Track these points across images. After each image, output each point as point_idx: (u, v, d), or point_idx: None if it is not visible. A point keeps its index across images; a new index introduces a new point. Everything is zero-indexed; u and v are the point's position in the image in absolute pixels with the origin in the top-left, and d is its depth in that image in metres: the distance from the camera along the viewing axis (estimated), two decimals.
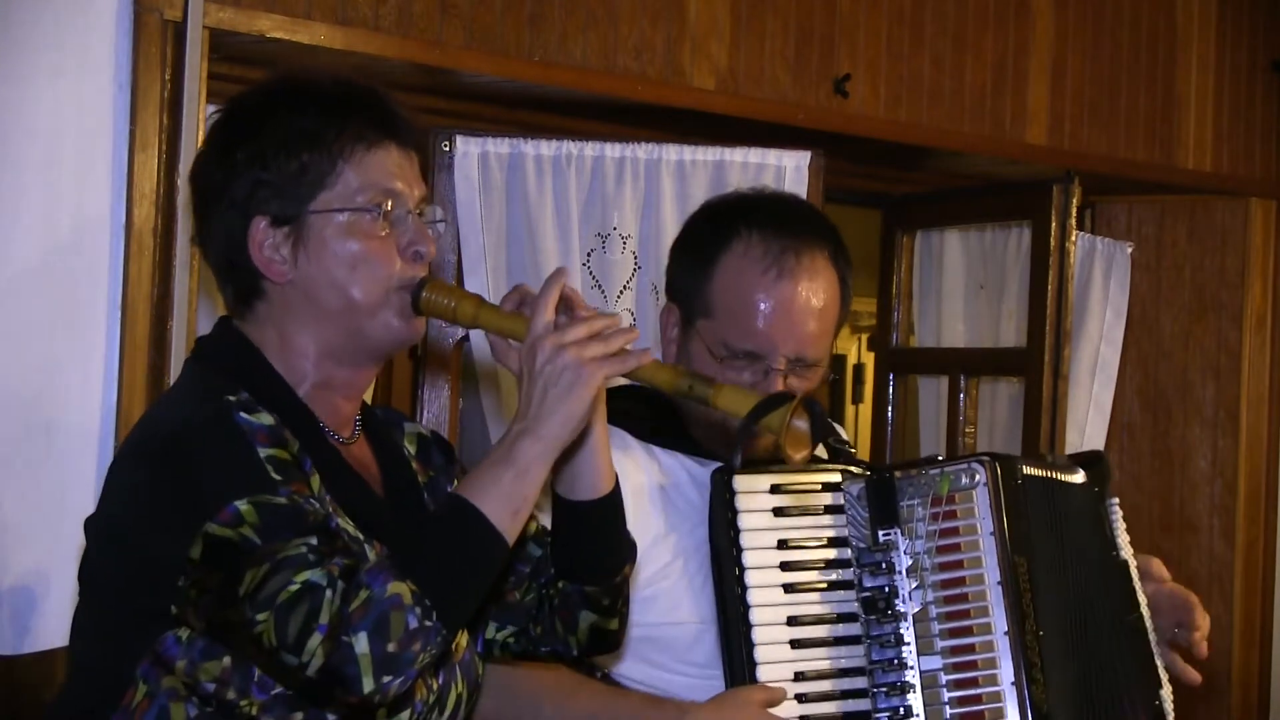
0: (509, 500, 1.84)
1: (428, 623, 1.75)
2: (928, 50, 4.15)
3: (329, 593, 1.72)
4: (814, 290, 2.50)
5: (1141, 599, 2.62)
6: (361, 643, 1.71)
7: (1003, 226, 4.73)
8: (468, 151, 3.54)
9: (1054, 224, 4.21)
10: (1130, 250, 4.92)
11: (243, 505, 1.77)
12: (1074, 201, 4.23)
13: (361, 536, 1.94)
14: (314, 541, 1.76)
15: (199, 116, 2.96)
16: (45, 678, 2.74)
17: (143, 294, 2.94)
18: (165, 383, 2.90)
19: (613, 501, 2.08)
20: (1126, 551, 2.63)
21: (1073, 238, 4.23)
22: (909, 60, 4.10)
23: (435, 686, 1.96)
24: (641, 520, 2.43)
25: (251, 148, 1.97)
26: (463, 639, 2.04)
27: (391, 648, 1.72)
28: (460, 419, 3.77)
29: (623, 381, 2.04)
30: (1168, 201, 4.97)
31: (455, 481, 2.20)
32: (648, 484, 2.49)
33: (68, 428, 2.89)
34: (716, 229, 2.57)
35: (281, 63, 3.24)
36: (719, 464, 2.51)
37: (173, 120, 2.96)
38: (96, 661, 1.93)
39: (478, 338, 3.44)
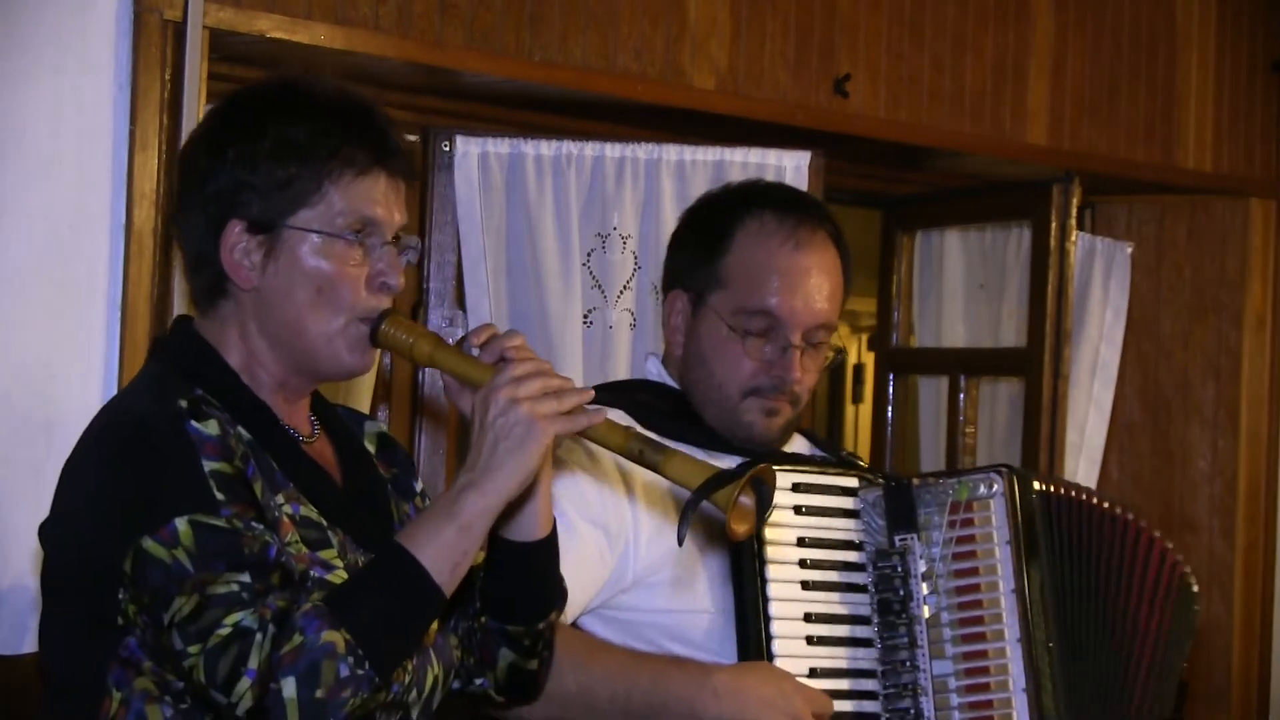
0: (449, 554, 1.84)
1: (359, 671, 1.75)
2: (928, 50, 4.15)
3: (259, 636, 1.73)
4: (824, 266, 2.58)
5: None
6: (289, 688, 1.72)
7: (1003, 226, 4.73)
8: (468, 151, 3.54)
9: (1054, 224, 4.21)
10: (1130, 250, 4.91)
11: (181, 525, 1.78)
12: (1074, 201, 4.22)
13: (325, 523, 1.95)
14: (247, 579, 1.77)
15: (199, 116, 2.96)
16: None
17: (143, 294, 2.94)
18: None
19: (547, 545, 2.07)
20: None
21: (1073, 238, 4.23)
22: (909, 60, 4.10)
23: (409, 667, 1.95)
24: (652, 507, 2.48)
25: (243, 147, 1.97)
26: (432, 625, 2.03)
27: (320, 694, 1.73)
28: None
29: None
30: (1168, 201, 4.96)
31: (418, 482, 2.21)
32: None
33: (68, 428, 2.88)
34: (726, 211, 2.63)
35: (282, 63, 3.24)
36: (730, 455, 2.52)
37: (173, 120, 2.96)
38: (67, 672, 1.93)
39: None
